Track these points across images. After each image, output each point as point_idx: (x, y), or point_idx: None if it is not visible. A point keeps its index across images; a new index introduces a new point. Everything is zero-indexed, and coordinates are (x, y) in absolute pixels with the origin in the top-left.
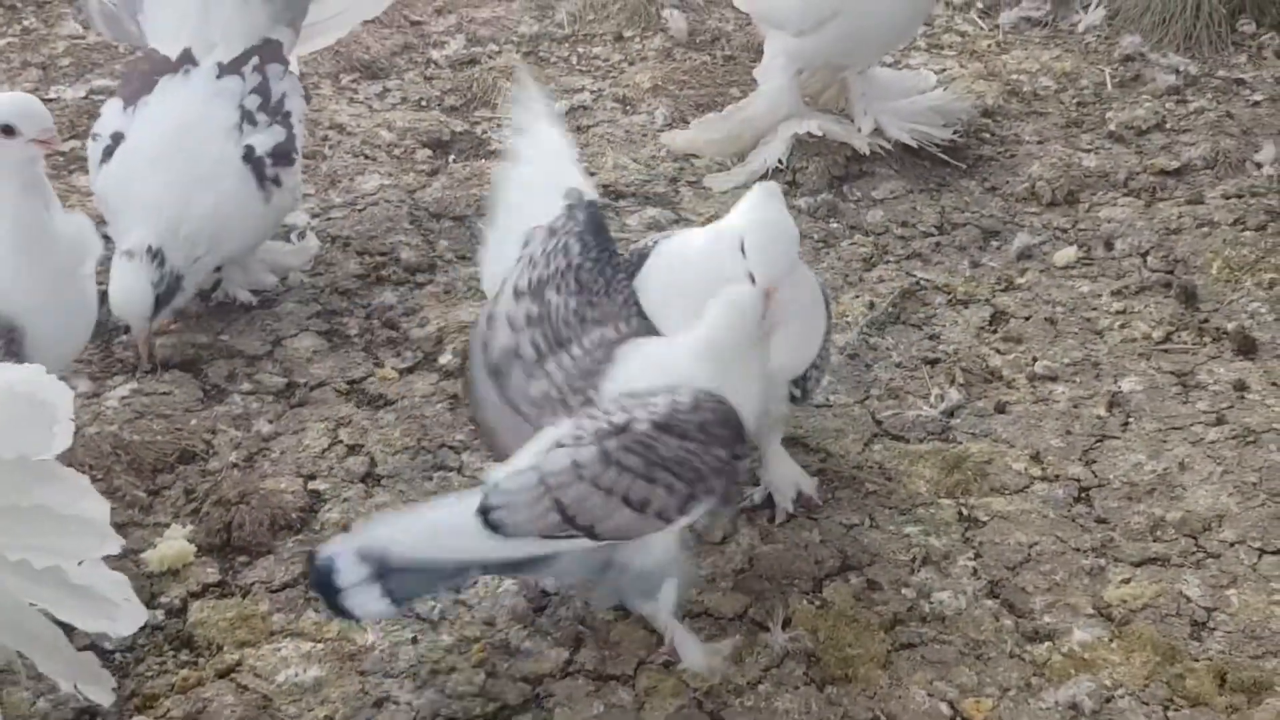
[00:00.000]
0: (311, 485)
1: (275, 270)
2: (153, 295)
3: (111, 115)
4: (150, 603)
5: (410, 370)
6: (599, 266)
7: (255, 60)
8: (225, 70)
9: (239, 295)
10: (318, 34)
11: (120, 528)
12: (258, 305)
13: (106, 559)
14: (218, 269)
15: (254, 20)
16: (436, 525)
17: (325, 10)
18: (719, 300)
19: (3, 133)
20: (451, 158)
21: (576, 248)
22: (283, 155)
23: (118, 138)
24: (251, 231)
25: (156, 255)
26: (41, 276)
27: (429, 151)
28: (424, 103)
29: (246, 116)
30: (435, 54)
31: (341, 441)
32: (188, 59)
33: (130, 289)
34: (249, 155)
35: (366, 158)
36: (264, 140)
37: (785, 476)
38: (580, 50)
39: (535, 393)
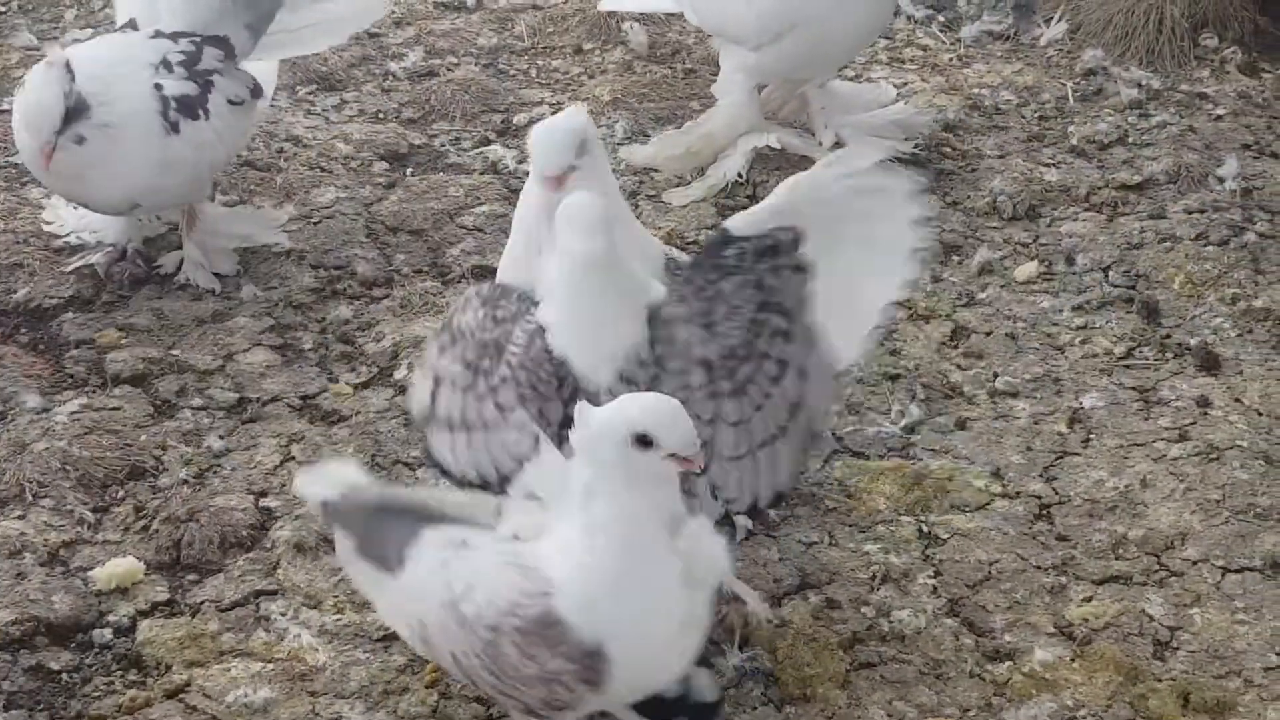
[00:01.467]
0: (263, 503)
1: (244, 240)
2: (63, 106)
3: None
4: (98, 621)
5: (365, 385)
6: (495, 288)
7: (195, 39)
8: (159, 34)
9: (200, 280)
10: (293, 43)
11: (68, 545)
12: (210, 319)
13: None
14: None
15: (201, 13)
16: None
17: (300, 19)
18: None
19: (637, 442)
20: (409, 170)
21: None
22: (187, 106)
23: None
24: (150, 168)
25: (69, 70)
26: (641, 601)
27: (386, 164)
28: (381, 115)
29: (165, 64)
30: (393, 66)
31: (294, 458)
32: (130, 26)
33: (41, 91)
34: (158, 89)
35: (323, 170)
36: (173, 86)
37: None
38: (540, 63)
39: (506, 399)
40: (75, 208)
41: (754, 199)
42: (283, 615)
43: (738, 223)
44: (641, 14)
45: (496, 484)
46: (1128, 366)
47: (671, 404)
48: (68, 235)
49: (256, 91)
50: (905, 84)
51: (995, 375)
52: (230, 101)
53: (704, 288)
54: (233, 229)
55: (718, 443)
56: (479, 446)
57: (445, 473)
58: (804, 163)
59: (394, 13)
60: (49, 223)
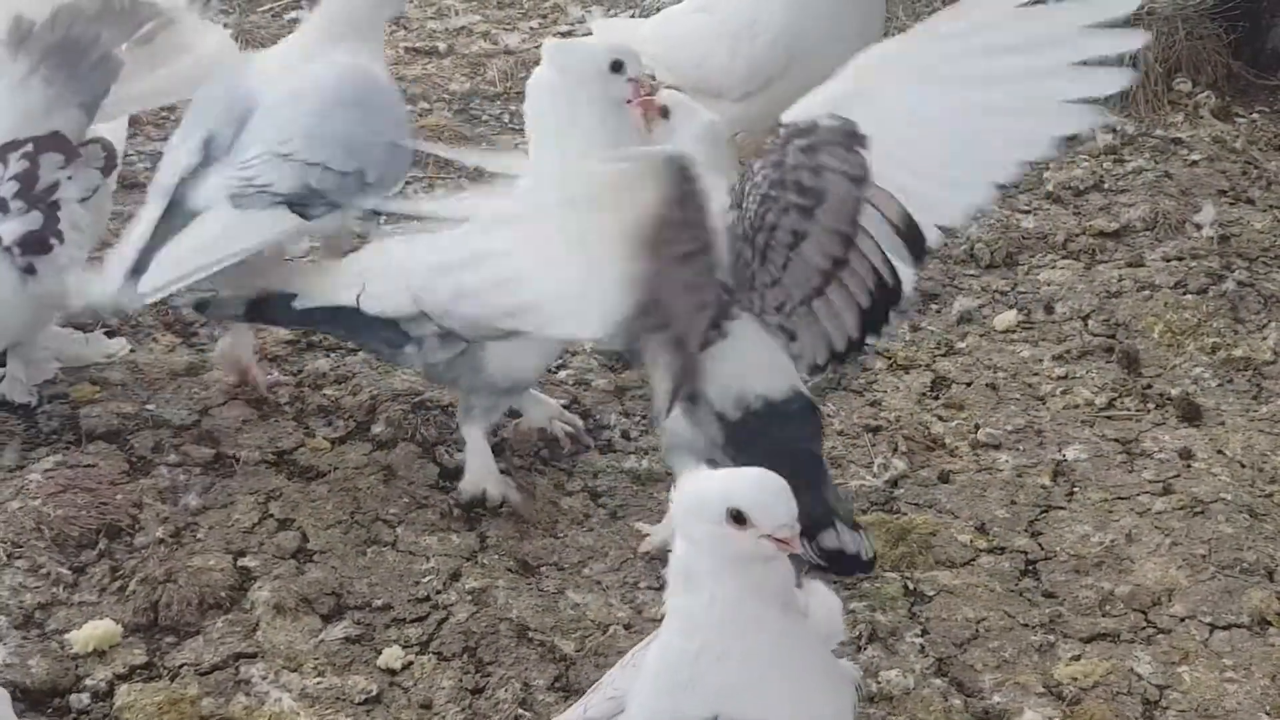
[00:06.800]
0: (241, 562)
1: (67, 361)
2: None
3: None
4: (75, 686)
5: (342, 440)
6: None
7: (28, 148)
8: None
9: (15, 396)
10: (136, 102)
11: (44, 607)
12: (184, 373)
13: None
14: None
15: (30, 106)
16: None
17: (137, 89)
18: None
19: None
20: (382, 219)
21: None
22: (34, 243)
23: None
24: (18, 315)
25: None
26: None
27: (359, 213)
28: None
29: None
30: None
31: (272, 515)
32: None
33: None
34: None
35: None
36: (12, 228)
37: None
38: (512, 108)
39: None
40: None
41: None
42: (263, 678)
43: (791, 111)
44: None
45: None
46: (1109, 418)
47: (775, 480)
48: None
49: (109, 165)
50: None
51: (977, 427)
52: (83, 199)
53: (746, 175)
54: (65, 348)
55: (766, 300)
56: None
57: None
58: None
59: None
60: None
